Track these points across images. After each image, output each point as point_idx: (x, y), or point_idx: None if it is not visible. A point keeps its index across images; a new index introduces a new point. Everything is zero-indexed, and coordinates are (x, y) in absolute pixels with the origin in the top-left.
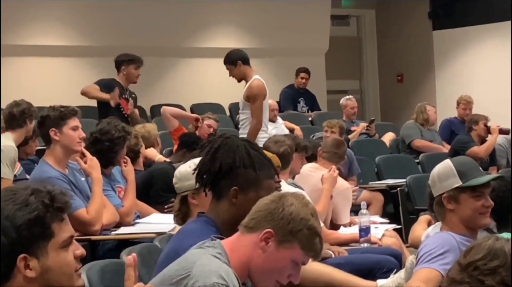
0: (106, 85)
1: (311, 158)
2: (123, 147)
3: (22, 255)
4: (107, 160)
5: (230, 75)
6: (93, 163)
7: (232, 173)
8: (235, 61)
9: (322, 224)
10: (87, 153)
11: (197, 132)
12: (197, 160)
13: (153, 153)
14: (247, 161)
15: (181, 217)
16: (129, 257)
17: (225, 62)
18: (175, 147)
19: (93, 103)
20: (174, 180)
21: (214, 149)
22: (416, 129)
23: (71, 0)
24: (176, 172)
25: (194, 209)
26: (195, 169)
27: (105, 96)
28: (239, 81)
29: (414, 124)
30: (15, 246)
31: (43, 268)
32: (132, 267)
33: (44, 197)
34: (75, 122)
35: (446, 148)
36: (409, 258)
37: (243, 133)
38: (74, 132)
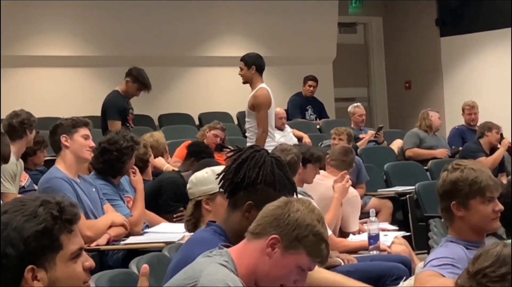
0: (119, 109)
1: (320, 167)
2: (132, 157)
3: (29, 267)
4: (116, 170)
5: (239, 73)
6: (137, 178)
7: (252, 187)
8: (251, 64)
9: (330, 232)
10: (136, 169)
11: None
12: (215, 168)
13: (162, 163)
14: (270, 179)
15: (193, 223)
16: (144, 265)
17: (242, 59)
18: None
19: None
20: (188, 185)
21: (242, 159)
22: (414, 137)
23: (79, 11)
24: (192, 177)
25: (206, 215)
26: (218, 174)
27: None
28: (244, 83)
29: (415, 131)
30: (23, 257)
31: (51, 279)
32: (146, 277)
33: (53, 208)
34: (86, 131)
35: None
36: (419, 265)
37: (250, 141)
38: (84, 140)
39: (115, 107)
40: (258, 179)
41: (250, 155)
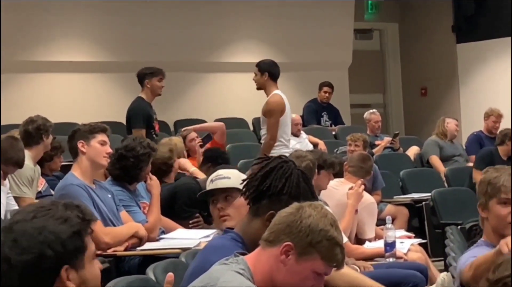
0: (144, 116)
1: (338, 174)
2: (148, 163)
3: (65, 267)
4: (132, 177)
5: (253, 79)
6: (153, 183)
7: (276, 197)
8: (264, 71)
9: (346, 239)
10: (150, 175)
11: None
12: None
13: (188, 165)
14: (295, 192)
15: None
16: (169, 274)
17: (256, 65)
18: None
19: (119, 118)
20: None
21: (269, 168)
22: (434, 145)
23: (94, 16)
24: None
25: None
26: (244, 180)
27: None
28: (258, 88)
29: (434, 139)
30: (61, 258)
31: (81, 279)
32: (171, 285)
33: (77, 211)
34: (103, 137)
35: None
36: (441, 275)
37: None
38: (101, 146)
39: (140, 115)
40: (283, 190)
41: (278, 165)
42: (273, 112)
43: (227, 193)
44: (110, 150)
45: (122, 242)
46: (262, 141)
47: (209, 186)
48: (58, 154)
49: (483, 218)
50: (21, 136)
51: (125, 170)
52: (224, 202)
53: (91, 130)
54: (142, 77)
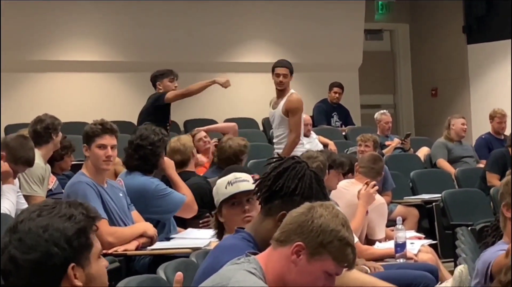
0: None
1: (349, 171)
2: (164, 148)
3: (72, 264)
4: (152, 164)
5: (283, 80)
6: (167, 163)
7: (288, 198)
8: (292, 73)
9: (357, 239)
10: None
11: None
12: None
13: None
14: (307, 193)
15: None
16: (178, 273)
17: (286, 66)
18: None
19: (130, 118)
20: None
21: (282, 168)
22: (442, 147)
23: (105, 16)
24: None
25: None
26: (256, 179)
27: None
28: (282, 90)
29: (441, 142)
30: (67, 256)
31: (88, 277)
32: (181, 284)
33: (81, 209)
34: (103, 140)
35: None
36: (458, 267)
37: (279, 148)
38: (99, 150)
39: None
40: (296, 191)
41: (291, 166)
42: (297, 110)
43: (249, 195)
44: (110, 153)
45: (126, 243)
46: (276, 141)
47: (230, 189)
48: (69, 153)
49: (505, 219)
50: (30, 135)
51: (144, 159)
52: (248, 204)
53: (91, 134)
54: (154, 79)
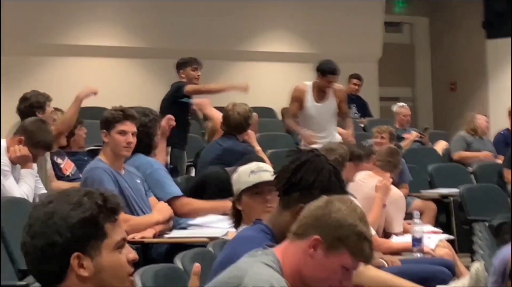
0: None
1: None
2: (157, 128)
3: (76, 254)
4: (146, 145)
5: (335, 81)
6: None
7: (307, 191)
8: None
9: (374, 233)
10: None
11: None
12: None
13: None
14: (326, 187)
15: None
16: (196, 264)
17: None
18: None
19: (148, 104)
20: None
21: (301, 161)
22: (461, 141)
23: (125, 1)
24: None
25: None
26: (275, 172)
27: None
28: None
29: (462, 135)
30: (69, 245)
31: (97, 267)
32: (198, 276)
33: (97, 198)
34: (124, 126)
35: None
36: (475, 265)
37: (323, 142)
38: (120, 136)
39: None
40: (314, 184)
41: (310, 159)
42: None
43: (271, 186)
44: (130, 140)
45: (139, 231)
46: (323, 136)
47: (254, 177)
48: (78, 125)
49: None
50: (18, 114)
51: (138, 142)
52: (270, 194)
53: (112, 119)
54: (177, 68)
